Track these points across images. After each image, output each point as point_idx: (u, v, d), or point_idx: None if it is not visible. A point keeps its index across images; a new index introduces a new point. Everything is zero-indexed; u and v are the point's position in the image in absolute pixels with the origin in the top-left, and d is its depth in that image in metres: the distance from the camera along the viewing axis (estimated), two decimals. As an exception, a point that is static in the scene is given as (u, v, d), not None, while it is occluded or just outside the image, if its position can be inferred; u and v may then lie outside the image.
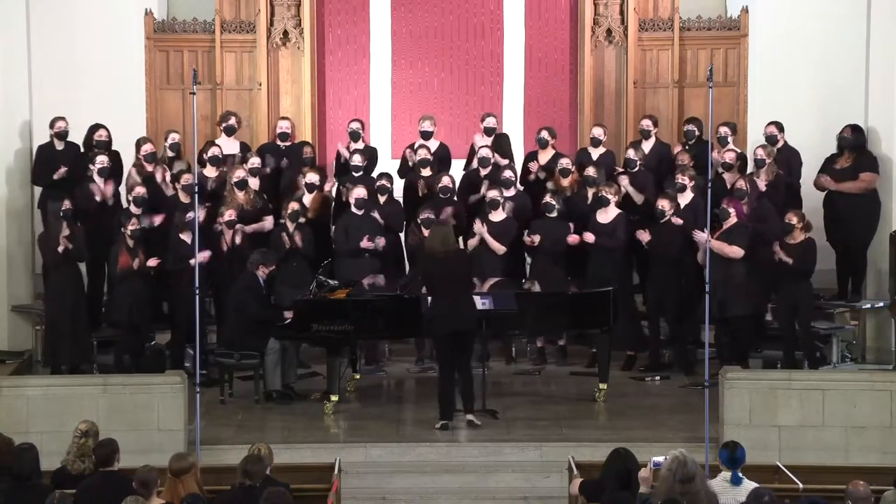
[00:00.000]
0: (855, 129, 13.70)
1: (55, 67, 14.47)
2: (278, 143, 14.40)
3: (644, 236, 13.02)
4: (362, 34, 15.66)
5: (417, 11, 15.62)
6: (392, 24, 15.64)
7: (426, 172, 13.88)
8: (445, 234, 11.92)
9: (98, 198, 13.30)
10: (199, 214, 12.81)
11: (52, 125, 13.72)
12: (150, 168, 13.65)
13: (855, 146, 13.65)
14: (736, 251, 12.60)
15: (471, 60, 15.68)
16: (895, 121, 13.78)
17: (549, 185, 13.78)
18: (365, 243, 13.19)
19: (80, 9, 14.66)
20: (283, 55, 15.21)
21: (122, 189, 13.67)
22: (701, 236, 12.44)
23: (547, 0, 15.57)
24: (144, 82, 14.95)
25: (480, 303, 11.98)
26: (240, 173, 13.47)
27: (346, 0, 15.61)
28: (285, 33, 15.15)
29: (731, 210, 12.74)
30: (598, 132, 14.22)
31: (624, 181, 13.55)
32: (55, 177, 13.53)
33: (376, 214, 13.43)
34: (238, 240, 13.12)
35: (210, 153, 13.80)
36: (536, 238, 13.15)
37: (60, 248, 12.67)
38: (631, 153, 13.79)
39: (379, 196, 13.61)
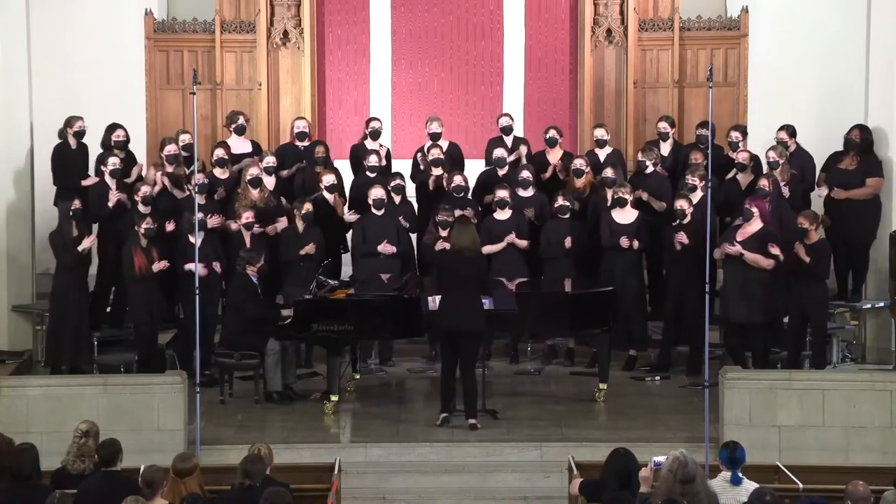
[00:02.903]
0: (863, 131, 13.68)
1: (55, 67, 14.47)
2: (297, 143, 14.30)
3: (683, 238, 12.91)
4: (362, 34, 15.67)
5: (417, 12, 15.63)
6: (392, 25, 15.66)
7: (438, 172, 13.82)
8: (474, 233, 11.94)
9: (111, 204, 13.26)
10: (211, 219, 12.91)
11: (70, 124, 13.64)
12: (170, 169, 13.61)
13: (862, 148, 13.64)
14: (770, 263, 12.49)
15: (471, 60, 15.69)
16: (895, 121, 13.78)
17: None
18: (383, 247, 13.16)
19: (80, 9, 14.68)
20: (283, 55, 15.21)
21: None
22: (732, 249, 12.40)
23: (547, 0, 15.58)
24: (144, 82, 14.97)
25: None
26: (254, 171, 13.42)
27: (346, 0, 15.62)
28: (285, 33, 15.15)
29: (755, 210, 12.64)
30: (600, 133, 14.18)
31: (643, 195, 13.47)
32: (84, 183, 13.45)
33: (402, 220, 13.37)
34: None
35: (216, 155, 13.76)
36: (568, 241, 13.08)
37: (81, 248, 12.67)
38: (640, 156, 13.71)
39: (394, 196, 13.58)
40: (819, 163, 13.90)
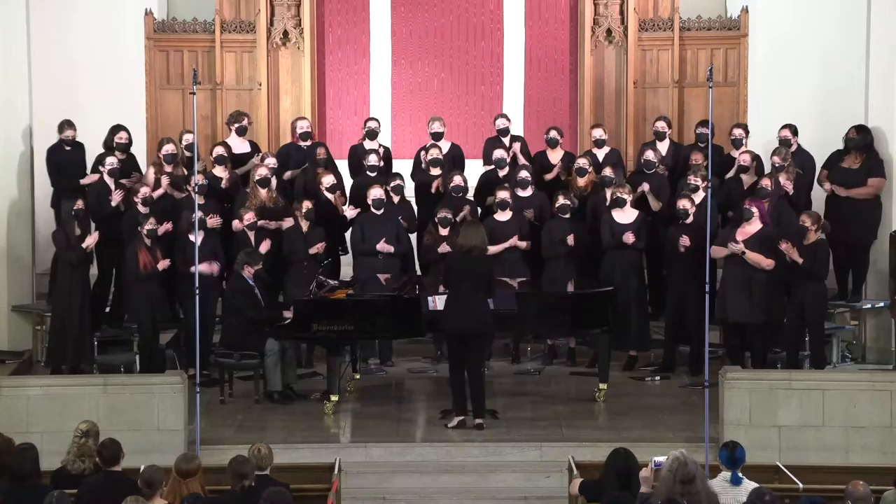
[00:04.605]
0: (861, 130, 13.67)
1: (55, 68, 14.47)
2: (300, 143, 14.27)
3: (686, 241, 12.88)
4: (362, 34, 15.68)
5: (417, 11, 15.64)
6: (392, 24, 15.66)
7: (436, 172, 13.83)
8: (483, 234, 11.94)
9: (114, 202, 13.25)
10: (210, 220, 12.90)
11: (61, 129, 13.70)
12: (169, 169, 13.61)
13: (862, 146, 13.64)
14: (770, 263, 12.51)
15: (471, 60, 15.69)
16: (895, 121, 13.78)
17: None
18: (381, 246, 13.15)
19: (80, 9, 14.67)
20: (283, 55, 15.21)
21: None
22: (736, 247, 12.39)
23: (547, 0, 15.58)
24: (144, 82, 14.97)
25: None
26: (262, 171, 13.42)
27: (346, 0, 15.63)
28: (285, 33, 15.15)
29: (755, 210, 12.64)
30: (598, 133, 14.19)
31: (645, 187, 13.48)
32: (82, 182, 13.48)
33: (401, 220, 13.34)
34: (263, 248, 13.02)
35: (216, 153, 13.75)
36: (570, 239, 13.08)
37: (85, 244, 12.69)
38: (650, 155, 13.70)
39: (393, 196, 13.58)
40: (816, 162, 13.89)
